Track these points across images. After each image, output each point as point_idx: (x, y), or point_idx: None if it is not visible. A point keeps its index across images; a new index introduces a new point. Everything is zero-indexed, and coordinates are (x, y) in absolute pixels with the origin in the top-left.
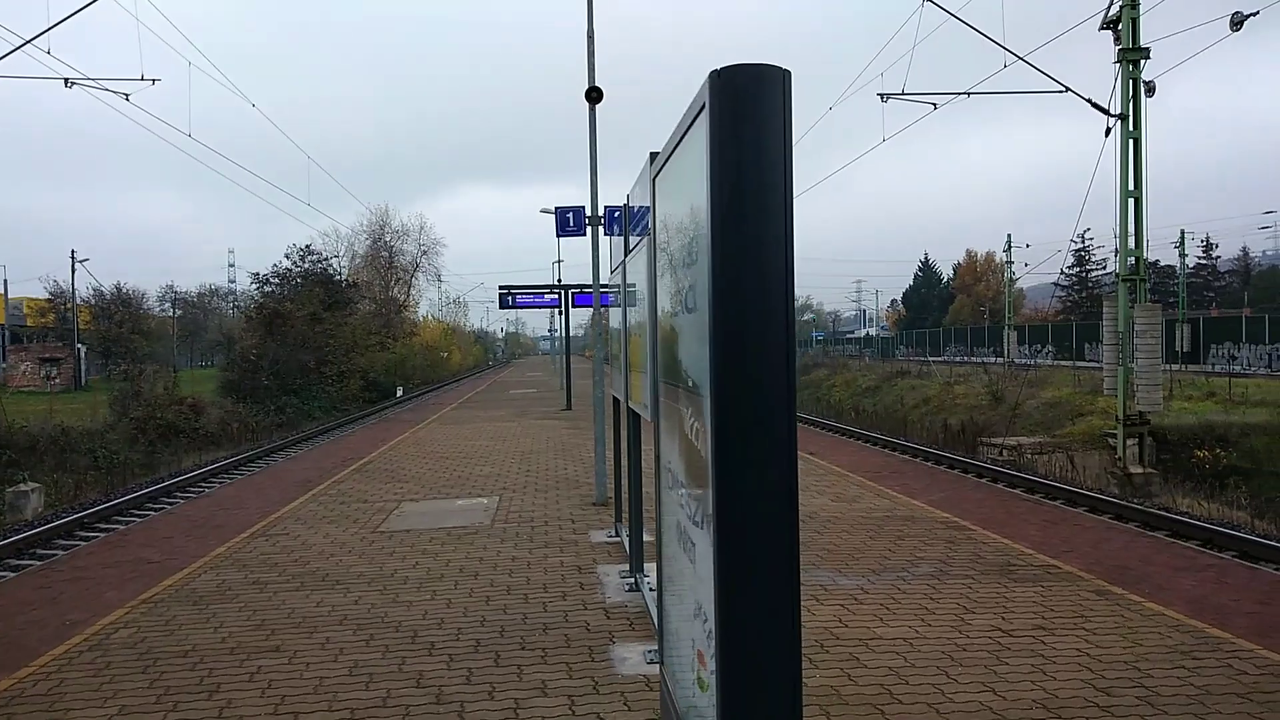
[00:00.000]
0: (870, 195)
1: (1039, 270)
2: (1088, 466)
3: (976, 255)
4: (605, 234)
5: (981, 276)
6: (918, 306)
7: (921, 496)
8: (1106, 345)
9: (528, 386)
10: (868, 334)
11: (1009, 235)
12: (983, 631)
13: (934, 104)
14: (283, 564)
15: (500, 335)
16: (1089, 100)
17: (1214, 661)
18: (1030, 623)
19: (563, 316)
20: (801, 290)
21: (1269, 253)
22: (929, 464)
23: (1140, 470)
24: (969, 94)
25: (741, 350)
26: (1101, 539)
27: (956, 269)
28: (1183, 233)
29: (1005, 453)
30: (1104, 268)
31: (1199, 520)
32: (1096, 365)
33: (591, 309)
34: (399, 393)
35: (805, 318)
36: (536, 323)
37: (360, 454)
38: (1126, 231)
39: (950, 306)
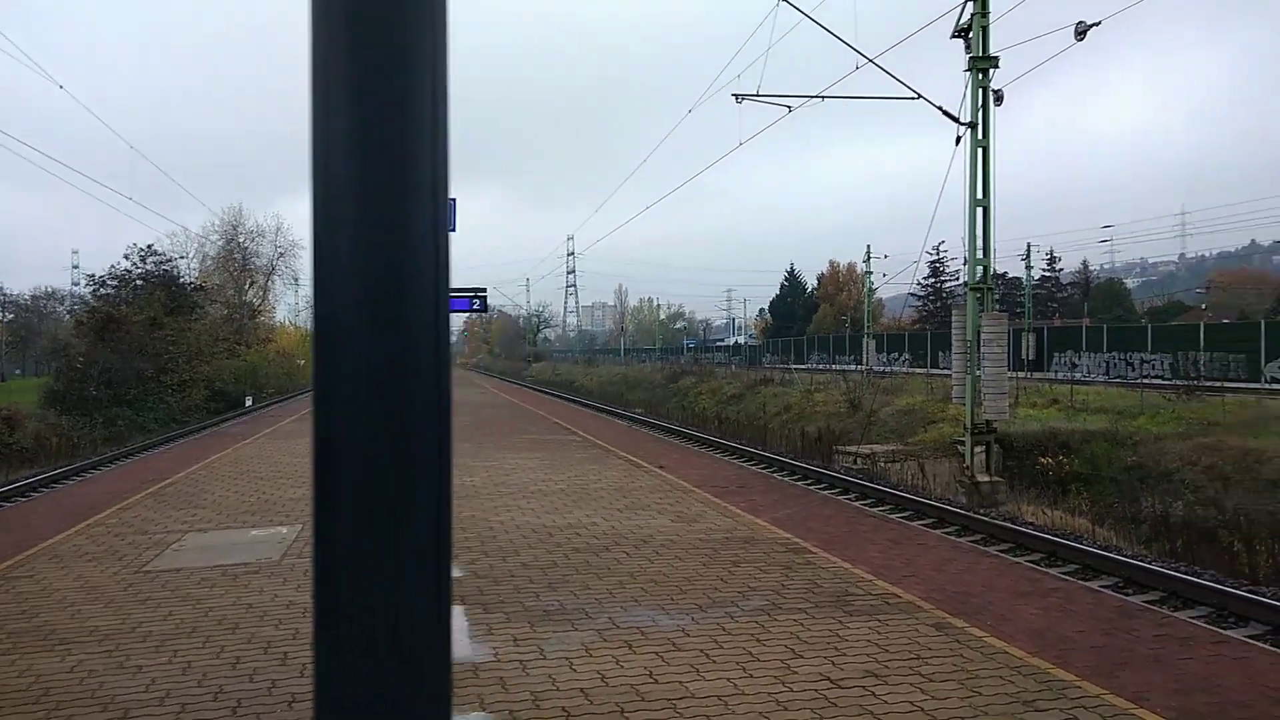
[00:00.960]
0: (743, 206)
1: (898, 280)
2: (938, 474)
3: (839, 266)
4: None
5: (844, 286)
6: (784, 315)
7: (766, 514)
8: (955, 354)
9: None
10: (736, 342)
11: (868, 246)
12: (809, 682)
13: (789, 106)
14: (4, 616)
15: None
16: (940, 107)
17: (1059, 714)
18: (862, 668)
19: None
20: (674, 298)
21: (1106, 266)
22: (781, 476)
23: (988, 479)
24: (823, 97)
25: (349, 347)
26: (945, 559)
27: (820, 279)
28: (1029, 245)
29: (859, 461)
30: (957, 278)
31: (1043, 532)
32: (949, 373)
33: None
34: (248, 402)
35: (678, 325)
36: None
37: (167, 473)
38: (975, 240)
39: (814, 315)
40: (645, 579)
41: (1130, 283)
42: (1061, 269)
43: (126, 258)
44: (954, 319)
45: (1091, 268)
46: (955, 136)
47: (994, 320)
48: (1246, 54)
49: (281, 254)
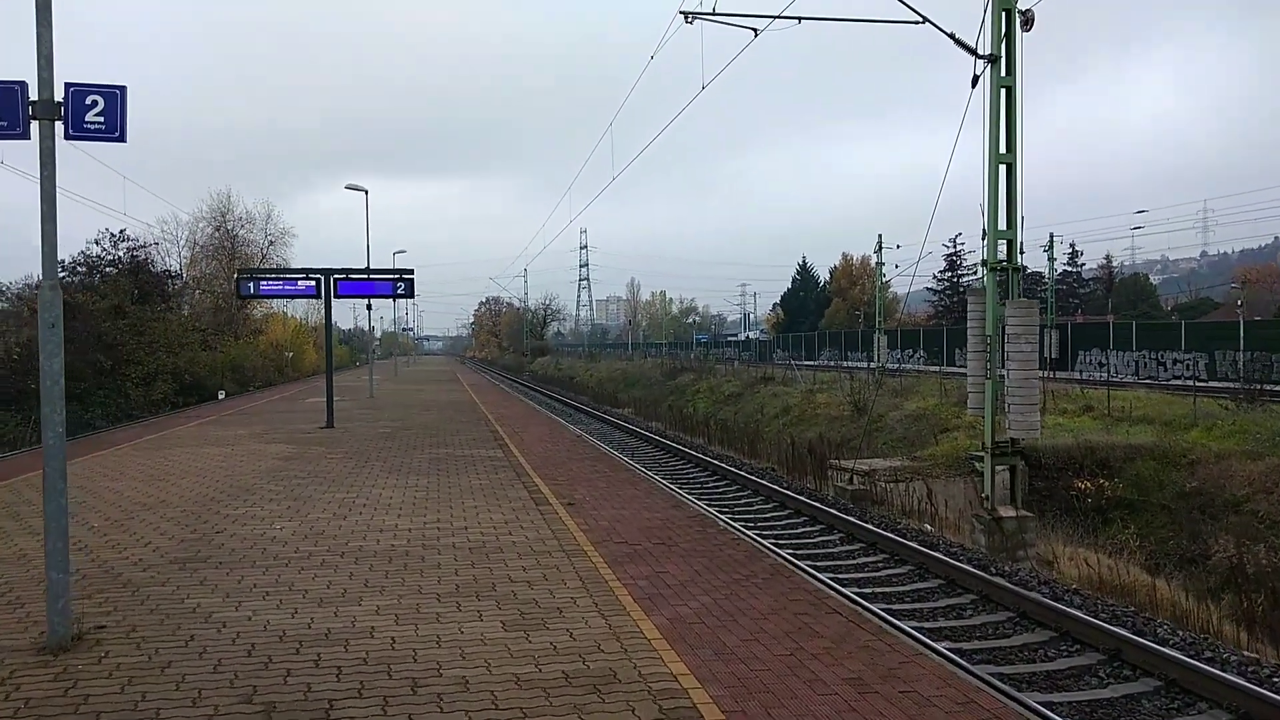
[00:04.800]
0: (759, 197)
1: (913, 274)
2: (951, 498)
3: (852, 258)
4: (69, 134)
5: (857, 280)
6: (796, 310)
7: (667, 607)
8: (971, 353)
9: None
10: (748, 337)
11: (879, 236)
12: None
13: (754, 29)
14: None
15: (376, 334)
16: (951, 35)
17: None
18: None
19: (325, 308)
20: (686, 292)
21: (1127, 263)
22: (732, 518)
23: (1013, 513)
24: (799, 19)
25: None
26: None
27: (833, 272)
28: (1052, 236)
29: (856, 480)
30: (975, 272)
31: (1093, 613)
32: (965, 372)
33: (367, 298)
34: (221, 396)
35: (689, 320)
36: (430, 322)
37: None
38: (997, 207)
39: (827, 310)
40: None
41: (1153, 279)
42: (1084, 264)
43: (97, 243)
44: (970, 308)
45: (1114, 262)
46: (972, 77)
47: (1022, 309)
48: (1272, 46)
49: (271, 242)
